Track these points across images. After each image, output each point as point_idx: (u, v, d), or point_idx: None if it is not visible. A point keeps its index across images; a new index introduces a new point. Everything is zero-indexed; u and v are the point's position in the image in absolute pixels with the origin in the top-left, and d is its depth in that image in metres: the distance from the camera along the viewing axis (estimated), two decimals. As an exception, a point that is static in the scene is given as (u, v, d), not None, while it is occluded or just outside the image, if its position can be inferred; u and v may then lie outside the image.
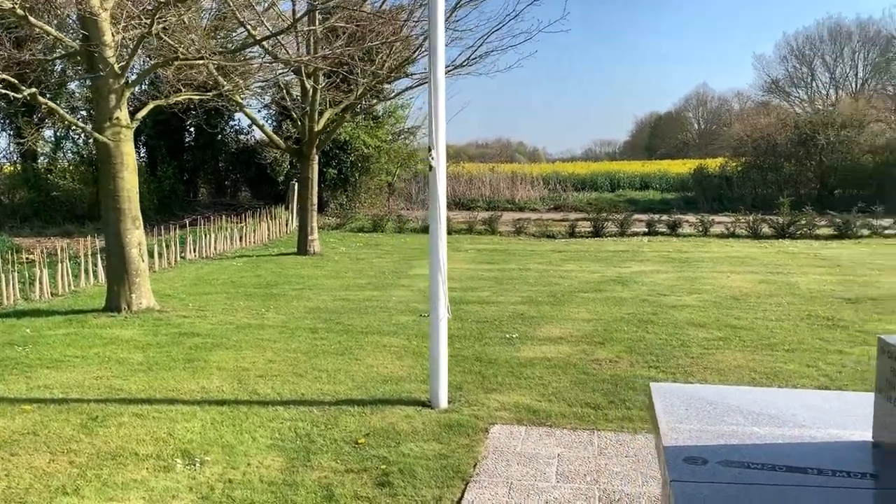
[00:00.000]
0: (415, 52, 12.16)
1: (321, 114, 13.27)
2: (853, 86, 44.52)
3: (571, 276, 10.65)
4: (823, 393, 3.09)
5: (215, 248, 13.76)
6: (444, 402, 5.04)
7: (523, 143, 61.27)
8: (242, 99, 13.39)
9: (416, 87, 13.25)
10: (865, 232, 15.43)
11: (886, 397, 2.31)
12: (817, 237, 15.46)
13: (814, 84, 46.66)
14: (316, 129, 13.22)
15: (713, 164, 28.46)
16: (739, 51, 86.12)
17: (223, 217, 15.48)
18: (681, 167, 33.14)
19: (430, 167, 4.96)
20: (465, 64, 11.34)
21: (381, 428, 4.60)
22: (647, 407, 3.15)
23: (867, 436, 2.51)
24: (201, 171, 24.46)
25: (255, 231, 15.50)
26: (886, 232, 15.43)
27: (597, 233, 16.32)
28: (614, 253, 13.51)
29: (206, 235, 13.62)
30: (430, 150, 4.95)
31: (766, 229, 15.84)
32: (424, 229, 18.10)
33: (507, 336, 6.98)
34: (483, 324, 7.52)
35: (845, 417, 2.69)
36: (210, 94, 10.31)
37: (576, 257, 12.95)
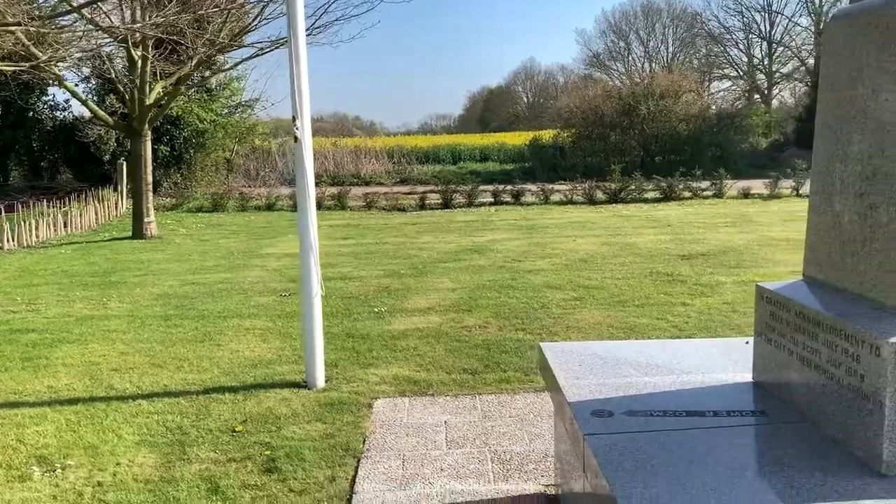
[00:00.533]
0: (254, 19, 11.62)
1: (152, 87, 12.38)
2: (665, 59, 47.97)
3: (429, 248, 10.73)
4: (699, 342, 3.30)
5: (37, 237, 12.54)
6: (321, 381, 4.91)
7: (359, 117, 60.82)
8: (59, 71, 12.20)
9: (254, 56, 12.70)
10: (687, 194, 16.76)
11: (766, 340, 2.48)
12: (646, 200, 16.60)
13: (630, 58, 49.83)
14: (147, 103, 12.33)
15: (546, 135, 29.70)
16: (564, 26, 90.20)
17: (43, 202, 14.12)
18: (517, 139, 34.30)
19: (296, 139, 4.76)
20: (309, 33, 10.98)
21: (259, 413, 4.41)
22: (539, 366, 3.22)
23: (748, 377, 2.70)
24: (12, 153, 22.15)
25: (81, 215, 14.27)
26: (704, 193, 16.84)
27: (446, 204, 16.55)
28: (466, 223, 13.77)
29: (24, 222, 12.36)
30: (294, 120, 4.74)
31: (600, 195, 16.77)
32: (269, 207, 17.51)
33: (376, 310, 6.92)
34: (349, 299, 7.40)
35: (725, 362, 2.88)
36: (25, 65, 9.28)
37: (430, 229, 13.06)
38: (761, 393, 2.54)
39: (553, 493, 3.32)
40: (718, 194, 16.78)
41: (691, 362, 2.92)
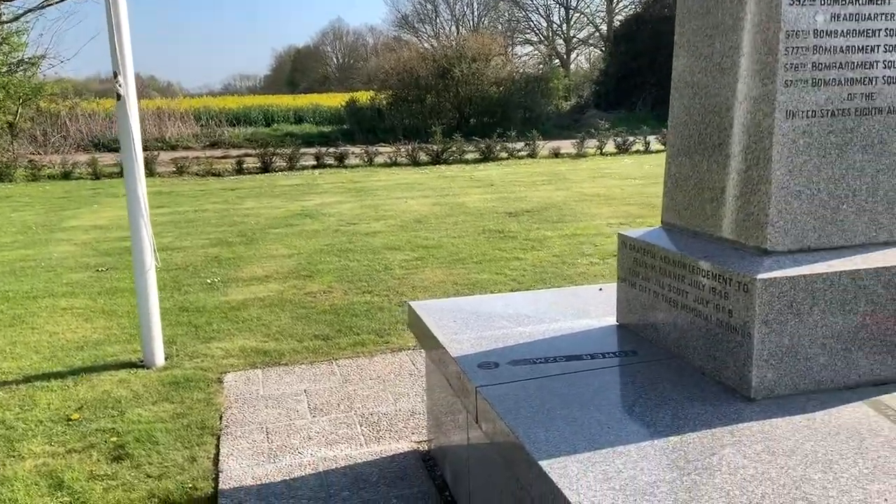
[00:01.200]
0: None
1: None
2: (471, 23, 49.12)
3: (255, 214, 10.31)
4: (558, 291, 3.44)
5: None
6: (160, 359, 4.58)
7: (155, 77, 56.68)
8: None
9: (41, 7, 11.36)
10: (504, 155, 17.43)
11: (630, 284, 2.63)
12: (467, 161, 17.04)
13: (438, 20, 50.48)
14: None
15: (363, 97, 29.46)
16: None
17: None
18: (332, 100, 33.73)
19: (119, 96, 4.33)
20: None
21: (95, 398, 4.04)
22: (411, 325, 3.21)
23: (611, 321, 2.86)
24: None
25: None
26: (520, 154, 17.59)
27: (266, 168, 15.96)
28: (291, 187, 13.38)
29: None
30: (115, 76, 4.30)
31: (423, 157, 16.97)
32: (66, 175, 15.96)
33: (208, 281, 6.55)
34: (176, 271, 6.94)
35: (587, 308, 3.03)
36: None
37: (253, 194, 12.54)
38: (628, 334, 2.70)
39: (426, 448, 3.35)
40: (532, 154, 17.60)
41: (557, 311, 3.04)
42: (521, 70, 30.57)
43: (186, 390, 4.12)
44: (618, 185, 12.04)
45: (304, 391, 4.07)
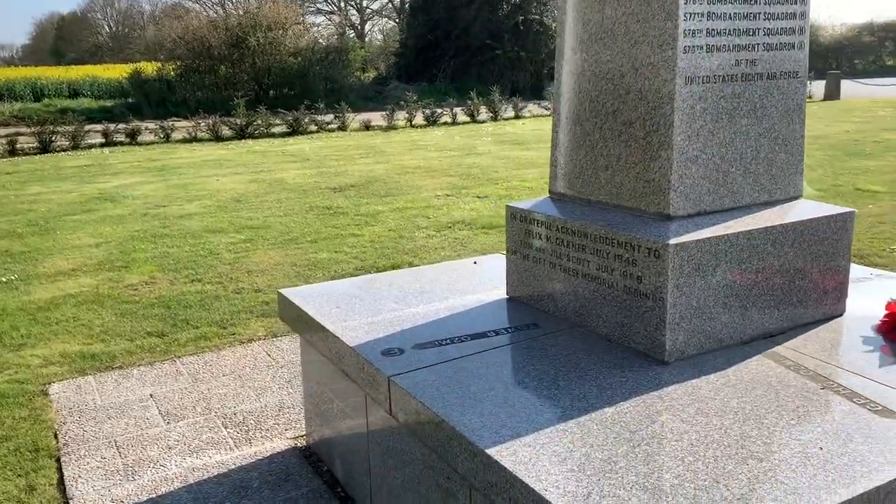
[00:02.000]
0: None
1: None
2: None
3: (44, 199, 9.16)
4: (431, 268, 3.34)
5: None
6: (-39, 374, 3.91)
7: None
8: None
9: None
10: (313, 128, 16.93)
11: (522, 257, 2.59)
12: (274, 135, 16.35)
13: (224, -12, 47.76)
14: None
15: (149, 68, 27.25)
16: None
17: None
18: (112, 72, 30.87)
19: None
20: None
21: None
22: (286, 315, 2.96)
23: (500, 294, 2.81)
24: None
25: None
26: (329, 127, 17.20)
27: (45, 148, 14.25)
28: (80, 168, 12.04)
29: None
30: None
31: (226, 131, 16.05)
32: None
33: (3, 280, 5.70)
34: (-41, 270, 5.97)
35: (471, 283, 2.96)
36: None
37: (36, 178, 11.13)
38: (524, 307, 2.67)
39: (305, 444, 3.14)
40: (343, 127, 17.28)
41: (442, 288, 2.95)
42: (320, 40, 29.85)
43: (4, 408, 3.54)
44: (436, 157, 12.14)
45: (151, 396, 3.65)
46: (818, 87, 24.17)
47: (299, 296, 2.91)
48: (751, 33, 2.23)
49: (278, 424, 3.33)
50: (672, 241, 2.07)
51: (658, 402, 1.92)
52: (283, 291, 2.99)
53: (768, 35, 2.26)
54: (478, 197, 8.66)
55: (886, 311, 2.36)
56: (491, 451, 1.71)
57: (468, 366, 2.20)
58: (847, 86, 24.16)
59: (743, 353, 2.19)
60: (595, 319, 2.37)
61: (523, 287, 2.70)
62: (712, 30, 2.15)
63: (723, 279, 2.18)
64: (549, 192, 2.71)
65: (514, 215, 2.68)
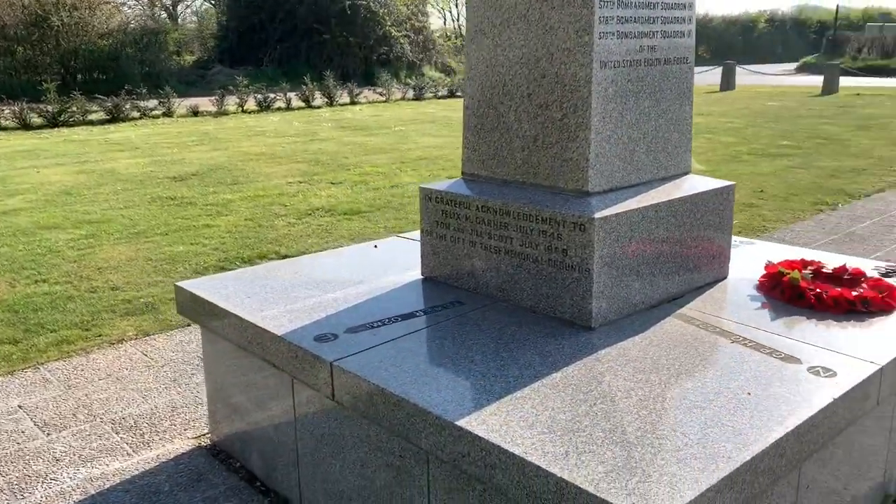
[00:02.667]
0: None
1: None
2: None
3: None
4: (333, 253, 3.32)
5: None
6: None
7: None
8: None
9: None
10: (136, 114, 15.84)
11: (438, 237, 2.66)
12: (92, 123, 15.12)
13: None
14: None
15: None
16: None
17: None
18: None
19: None
20: None
21: None
22: (192, 310, 2.80)
23: (412, 275, 2.86)
24: None
25: None
26: (154, 113, 16.17)
27: None
28: None
29: None
30: None
31: (36, 119, 14.62)
32: None
33: None
34: None
35: (381, 266, 2.99)
36: None
37: None
38: (442, 287, 2.72)
39: (210, 442, 3.01)
40: (168, 113, 16.30)
41: (353, 273, 2.94)
42: (133, 21, 27.85)
43: None
44: (277, 144, 11.82)
45: (20, 407, 3.33)
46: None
47: (202, 288, 2.78)
48: (651, 21, 2.42)
49: (175, 425, 3.16)
50: (597, 216, 2.22)
51: (598, 364, 2.06)
52: (183, 284, 2.84)
53: (665, 24, 2.46)
54: (332, 183, 8.57)
55: (765, 272, 2.67)
56: (461, 423, 1.76)
57: (407, 345, 2.23)
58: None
59: (655, 316, 2.40)
60: (519, 293, 2.48)
61: (441, 267, 2.76)
62: (622, 17, 2.32)
63: (636, 249, 2.36)
64: (462, 172, 2.78)
65: (428, 196, 2.73)
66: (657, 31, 2.45)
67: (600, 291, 2.28)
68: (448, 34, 35.55)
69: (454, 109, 17.76)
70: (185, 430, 3.13)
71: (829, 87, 20.63)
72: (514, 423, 1.76)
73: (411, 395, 1.91)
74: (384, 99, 20.77)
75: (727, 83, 22.86)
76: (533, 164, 2.50)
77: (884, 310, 2.40)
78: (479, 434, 1.71)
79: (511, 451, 1.64)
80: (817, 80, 22.61)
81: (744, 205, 7.14)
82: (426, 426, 1.85)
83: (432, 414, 1.83)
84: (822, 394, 1.87)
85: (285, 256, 5.64)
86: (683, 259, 2.56)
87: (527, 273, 2.43)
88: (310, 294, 2.70)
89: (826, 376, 1.96)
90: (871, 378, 1.98)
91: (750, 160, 9.83)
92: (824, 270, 2.64)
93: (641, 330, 2.29)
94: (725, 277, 2.76)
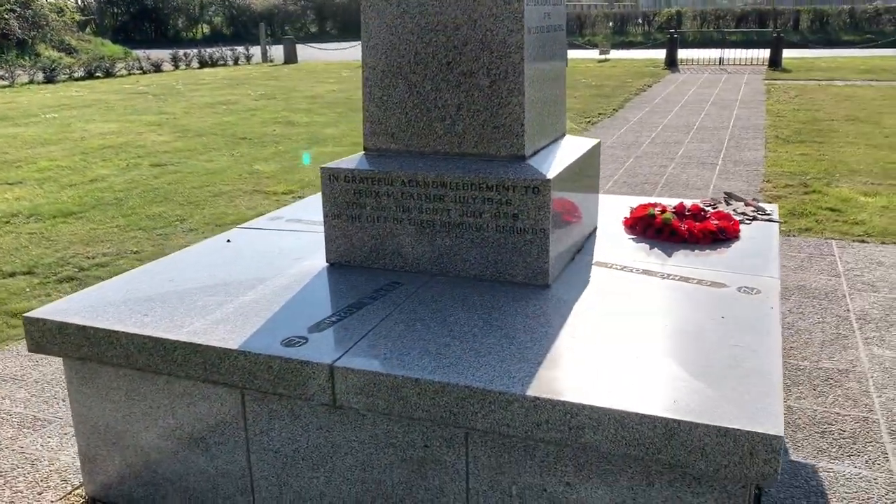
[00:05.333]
0: None
1: None
2: None
3: None
4: (195, 250, 2.91)
5: None
6: None
7: None
8: None
9: None
10: None
11: (351, 218, 2.54)
12: None
13: None
14: None
15: None
16: None
17: None
18: None
19: None
20: None
21: None
22: (45, 344, 2.21)
23: (312, 264, 2.67)
24: None
25: None
26: None
27: None
28: None
29: None
30: None
31: None
32: None
33: None
34: None
35: (268, 259, 2.75)
36: None
37: None
38: (365, 271, 2.56)
39: (88, 496, 2.47)
40: None
41: (240, 271, 2.62)
42: None
43: None
44: None
45: None
46: (277, 51, 25.97)
47: (75, 314, 2.25)
48: (549, -10, 2.55)
49: (35, 482, 2.53)
50: (550, 176, 2.31)
51: (590, 312, 2.18)
52: (43, 314, 2.26)
53: (556, -7, 2.61)
54: (9, 184, 7.24)
55: (630, 216, 3.02)
56: (533, 393, 1.75)
57: (388, 334, 2.10)
58: (300, 50, 26.48)
59: (580, 268, 2.58)
60: (461, 264, 2.46)
61: (354, 251, 2.59)
62: (536, -15, 2.41)
63: (562, 206, 2.51)
64: (366, 148, 2.63)
65: (335, 176, 2.54)
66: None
67: (553, 250, 2.39)
68: (62, 7, 31.48)
69: (104, 92, 15.96)
70: (48, 489, 2.51)
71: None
72: (575, 379, 1.80)
73: (454, 378, 1.83)
74: (7, 84, 17.80)
75: (291, 56, 24.11)
76: (457, 133, 2.48)
77: (733, 235, 2.90)
78: (569, 399, 1.72)
79: (603, 406, 1.69)
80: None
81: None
82: (485, 405, 1.79)
83: (494, 391, 1.78)
84: (764, 307, 2.23)
85: (30, 272, 4.69)
86: (581, 212, 2.78)
87: (469, 243, 2.43)
88: (218, 300, 2.35)
89: (755, 294, 2.33)
90: (777, 290, 2.41)
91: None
92: (679, 210, 3.07)
93: (585, 281, 2.45)
94: (596, 226, 3.06)
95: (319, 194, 3.59)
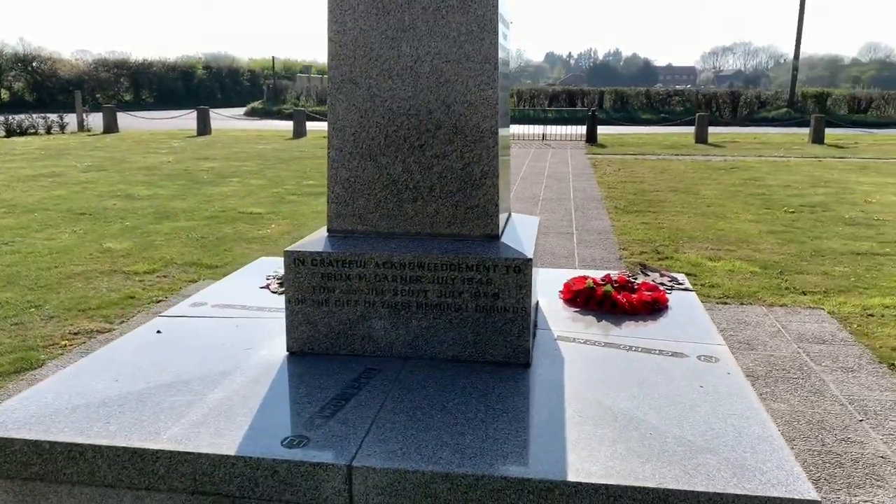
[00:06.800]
0: None
1: None
2: None
3: None
4: (122, 344, 2.64)
5: None
6: None
7: None
8: None
9: None
10: None
11: (317, 303, 2.45)
12: None
13: None
14: None
15: None
16: None
17: None
18: None
19: None
20: None
21: None
22: (15, 472, 1.85)
23: (270, 353, 2.52)
24: None
25: None
26: None
27: None
28: None
29: None
30: None
31: None
32: None
33: None
34: None
35: (216, 350, 2.57)
36: None
37: None
38: (330, 359, 2.44)
39: None
40: None
41: (192, 364, 2.40)
42: None
43: None
44: None
45: None
46: (95, 120, 24.51)
47: (11, 427, 1.94)
48: (505, 77, 2.64)
49: None
50: (529, 256, 2.35)
51: (583, 390, 2.21)
52: (-20, 431, 1.93)
53: (503, 80, 2.71)
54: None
55: (567, 290, 3.13)
56: (574, 479, 1.74)
57: (392, 426, 2.01)
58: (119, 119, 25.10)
59: (546, 342, 2.63)
60: (437, 346, 2.42)
61: (320, 337, 2.47)
62: (504, 74, 2.49)
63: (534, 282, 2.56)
64: (330, 230, 2.53)
65: (301, 260, 2.42)
66: (505, 87, 2.69)
67: (532, 327, 2.41)
68: None
69: None
70: None
71: (299, 131, 22.83)
72: (610, 464, 1.82)
73: (487, 470, 1.78)
74: None
75: (203, 127, 23.31)
76: (429, 213, 2.47)
77: (664, 305, 3.09)
78: (608, 482, 1.73)
79: (651, 486, 1.72)
80: (277, 124, 24.62)
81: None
82: (523, 495, 1.76)
83: (533, 480, 1.76)
84: (727, 374, 2.39)
85: None
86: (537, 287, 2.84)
87: (447, 323, 2.40)
88: (185, 400, 2.14)
89: (715, 362, 2.49)
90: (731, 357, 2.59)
91: (296, 200, 10.42)
92: (611, 282, 3.23)
93: (557, 357, 2.50)
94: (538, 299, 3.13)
95: (233, 274, 3.41)
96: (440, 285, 2.37)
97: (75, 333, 4.71)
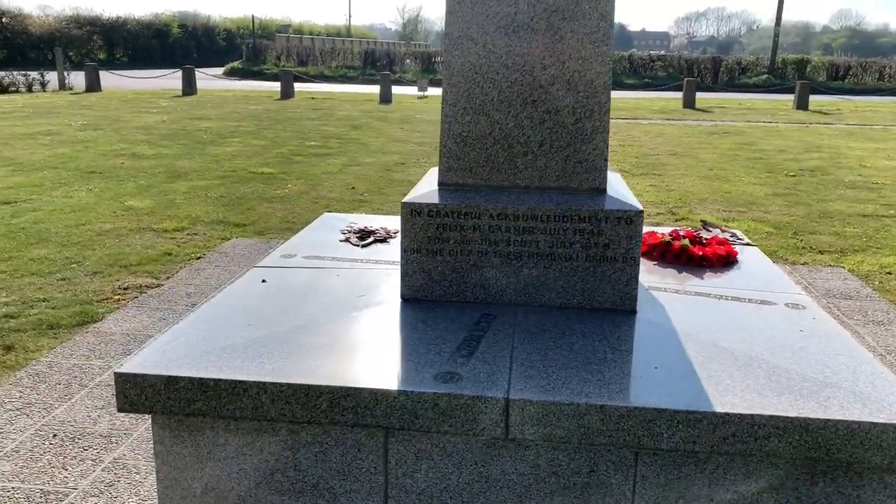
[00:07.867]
0: None
1: None
2: None
3: None
4: (237, 290, 2.72)
5: None
6: None
7: None
8: None
9: None
10: None
11: (432, 253, 2.56)
12: None
13: None
14: None
15: None
16: None
17: None
18: None
19: None
20: None
21: None
22: (152, 401, 1.94)
23: (386, 299, 2.62)
24: None
25: None
26: None
27: None
28: None
29: None
30: None
31: None
32: None
33: None
34: None
35: (333, 297, 2.66)
36: None
37: None
38: (443, 305, 2.55)
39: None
40: None
41: (315, 310, 2.49)
42: None
43: None
44: None
45: None
46: (76, 78, 24.00)
47: (173, 367, 2.04)
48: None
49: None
50: (641, 208, 2.47)
51: (694, 333, 2.35)
52: (138, 370, 2.02)
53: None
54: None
55: (644, 244, 3.26)
56: (720, 410, 1.89)
57: (531, 364, 2.13)
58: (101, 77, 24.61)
59: (642, 290, 2.76)
60: (546, 294, 2.54)
61: (434, 285, 2.57)
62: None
63: (632, 235, 2.68)
64: (441, 183, 2.63)
65: (417, 211, 2.51)
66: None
67: (639, 275, 2.55)
68: None
69: None
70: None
71: (287, 92, 22.59)
72: (748, 396, 1.96)
73: (639, 401, 1.92)
74: None
75: (189, 87, 22.96)
76: (538, 167, 2.57)
77: (735, 259, 3.24)
78: (752, 412, 1.88)
79: (792, 416, 1.87)
80: (260, 84, 24.35)
81: (352, 201, 7.70)
82: (672, 425, 1.90)
83: (682, 411, 1.89)
84: (818, 318, 2.55)
85: None
86: (620, 241, 2.96)
87: (557, 272, 2.52)
88: (323, 342, 2.24)
89: (803, 309, 2.64)
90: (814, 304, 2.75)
91: (303, 160, 10.41)
92: (687, 237, 3.36)
93: (656, 304, 2.64)
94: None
95: (305, 229, 3.49)
96: (551, 236, 2.48)
97: (125, 288, 4.77)
